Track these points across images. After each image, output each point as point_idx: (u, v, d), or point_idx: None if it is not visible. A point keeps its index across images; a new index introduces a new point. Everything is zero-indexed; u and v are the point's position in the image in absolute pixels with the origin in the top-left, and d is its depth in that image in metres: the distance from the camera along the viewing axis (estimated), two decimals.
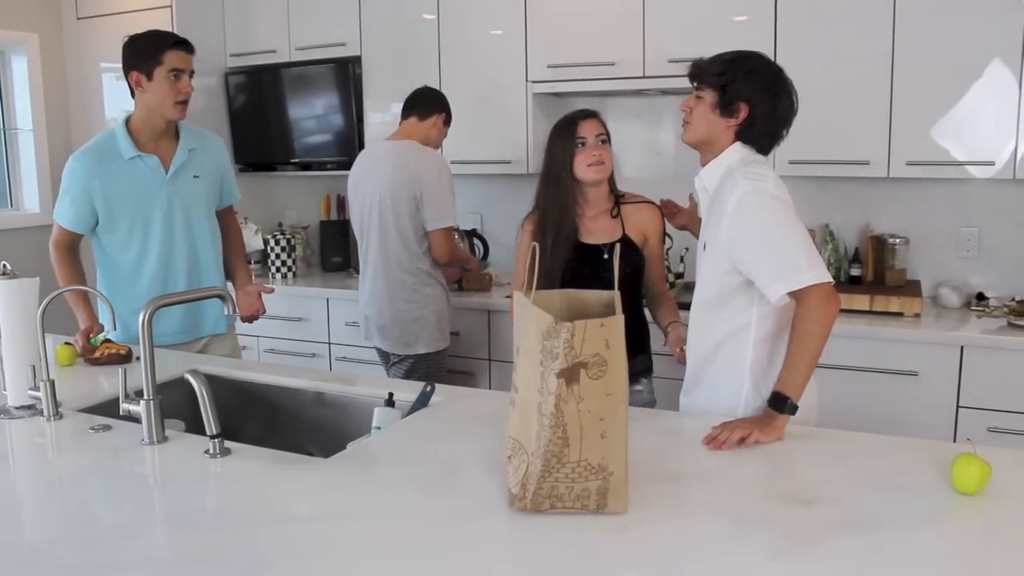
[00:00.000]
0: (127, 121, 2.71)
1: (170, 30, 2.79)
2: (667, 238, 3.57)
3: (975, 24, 2.96)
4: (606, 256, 2.55)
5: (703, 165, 2.10)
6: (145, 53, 2.64)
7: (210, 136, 2.92)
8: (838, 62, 3.11)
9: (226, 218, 2.99)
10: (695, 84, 2.06)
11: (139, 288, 2.72)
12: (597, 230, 2.58)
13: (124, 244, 2.71)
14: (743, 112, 2.00)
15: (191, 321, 2.83)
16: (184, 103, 2.68)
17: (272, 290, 3.03)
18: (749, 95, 1.98)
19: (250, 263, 2.99)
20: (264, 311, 2.98)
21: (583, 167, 2.50)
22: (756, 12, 3.26)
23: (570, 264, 2.52)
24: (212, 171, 2.85)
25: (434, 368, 3.27)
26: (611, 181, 2.61)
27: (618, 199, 2.63)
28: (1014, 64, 2.93)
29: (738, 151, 2.03)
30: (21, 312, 2.04)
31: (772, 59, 2.06)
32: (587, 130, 2.51)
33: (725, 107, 2.00)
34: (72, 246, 2.77)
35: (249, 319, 2.96)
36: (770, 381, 1.96)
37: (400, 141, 3.23)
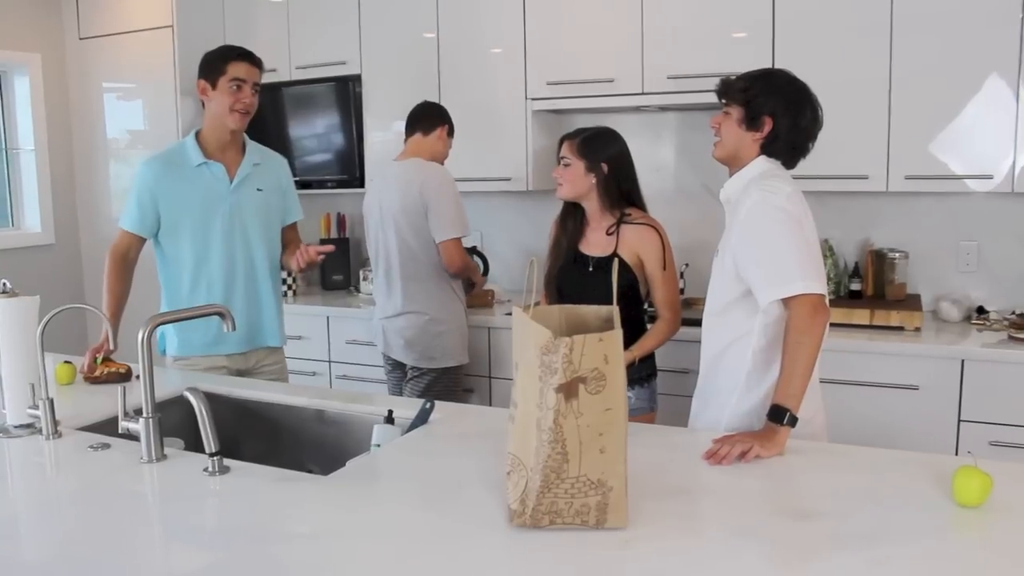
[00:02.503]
0: (197, 133, 2.79)
1: (237, 45, 2.86)
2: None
3: (972, 39, 2.97)
4: (591, 268, 2.67)
5: (730, 178, 2.16)
6: (213, 64, 2.75)
7: (275, 155, 2.98)
8: (836, 77, 3.11)
9: (288, 234, 3.00)
10: (722, 101, 2.14)
11: (199, 294, 2.75)
12: (593, 242, 2.71)
13: (186, 250, 2.75)
14: (767, 126, 2.06)
15: (247, 333, 2.82)
16: (242, 113, 2.74)
17: (332, 248, 2.93)
18: (772, 109, 2.05)
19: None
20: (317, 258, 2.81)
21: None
22: (755, 28, 3.27)
23: (563, 268, 2.73)
24: (275, 187, 2.91)
25: (453, 383, 3.31)
26: (609, 201, 2.68)
27: (621, 218, 2.67)
28: (1011, 78, 2.94)
29: (761, 164, 2.09)
30: (21, 330, 2.04)
31: (796, 76, 2.12)
32: (561, 151, 2.72)
33: (750, 122, 2.07)
34: (128, 254, 2.78)
35: (305, 268, 2.85)
36: (764, 386, 2.01)
37: (407, 161, 3.28)
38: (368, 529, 1.52)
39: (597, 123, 3.73)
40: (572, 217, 2.75)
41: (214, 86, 2.73)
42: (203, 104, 2.80)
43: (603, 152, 2.67)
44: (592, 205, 2.70)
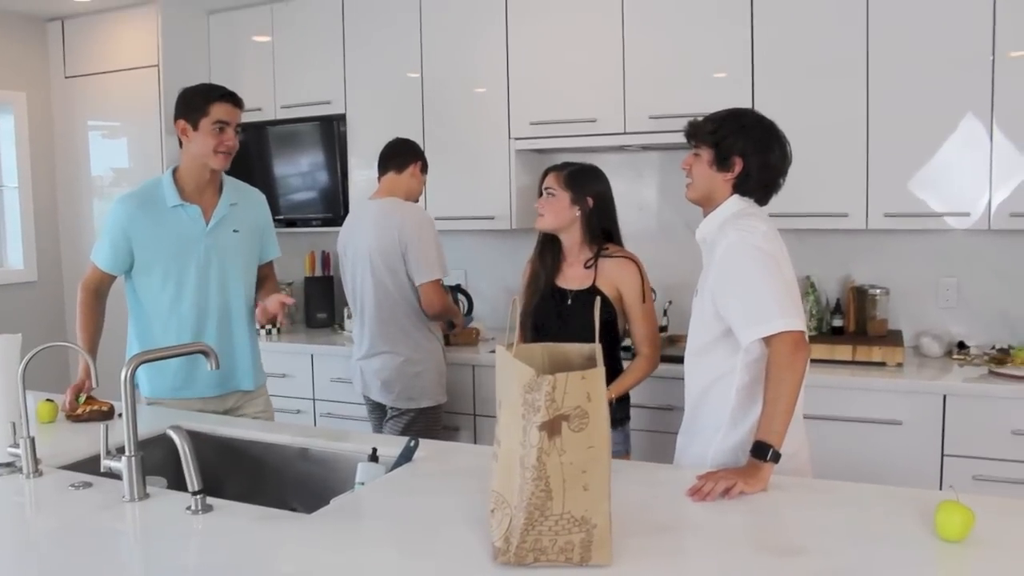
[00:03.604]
0: (174, 171, 2.74)
1: (220, 84, 2.80)
2: (652, 292, 3.60)
3: (947, 80, 3.03)
4: (569, 302, 2.66)
5: (705, 218, 2.18)
6: (194, 104, 2.68)
7: (253, 192, 2.92)
8: (815, 117, 3.17)
9: (264, 271, 2.94)
10: (692, 143, 2.16)
11: (169, 336, 2.70)
12: (571, 276, 2.71)
13: (158, 291, 2.71)
14: (738, 166, 2.09)
15: (219, 376, 2.76)
16: (226, 155, 2.69)
17: (291, 301, 2.79)
18: (742, 149, 2.08)
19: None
20: (283, 313, 2.73)
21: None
22: (734, 69, 3.33)
23: (540, 303, 2.70)
24: (252, 227, 2.84)
25: (432, 423, 3.27)
26: (589, 233, 2.68)
27: (599, 251, 2.67)
28: (985, 118, 2.99)
29: (735, 204, 2.11)
30: (2, 368, 2.03)
31: (763, 115, 2.15)
32: (545, 183, 2.71)
33: (721, 162, 2.10)
34: (100, 289, 2.75)
35: (267, 323, 2.84)
36: (748, 422, 2.02)
37: (383, 200, 3.26)
38: (352, 568, 1.51)
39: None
40: (550, 252, 2.74)
41: (196, 127, 2.65)
42: (180, 143, 2.72)
43: (589, 186, 2.68)
44: (572, 239, 2.70)
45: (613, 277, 2.66)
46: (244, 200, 2.85)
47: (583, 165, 2.76)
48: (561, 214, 2.66)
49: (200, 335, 2.71)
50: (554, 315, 2.68)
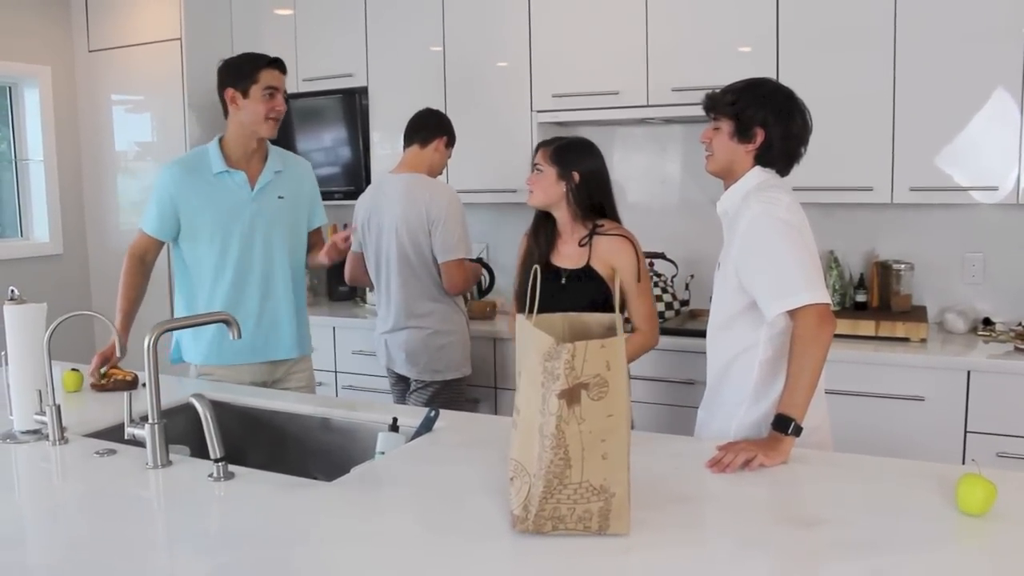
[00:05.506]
0: (220, 139, 2.79)
1: (265, 53, 2.86)
2: (674, 265, 3.60)
3: (976, 53, 2.98)
4: (563, 281, 2.60)
5: (726, 190, 2.16)
6: (242, 72, 2.73)
7: (298, 160, 2.99)
8: (841, 90, 3.13)
9: (313, 238, 3.01)
10: (711, 115, 2.13)
11: (214, 302, 2.75)
12: (565, 255, 2.64)
13: (203, 256, 2.75)
14: (759, 136, 2.06)
15: (262, 342, 2.82)
16: (276, 120, 2.76)
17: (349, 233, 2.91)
18: (763, 119, 2.06)
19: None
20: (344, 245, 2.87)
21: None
22: (758, 41, 3.28)
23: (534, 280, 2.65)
24: (298, 194, 2.90)
25: (456, 394, 3.29)
26: (580, 211, 2.60)
27: (594, 229, 2.62)
28: (1015, 91, 2.94)
29: (757, 175, 2.09)
30: (29, 337, 2.05)
31: (781, 83, 2.12)
32: (536, 158, 2.66)
33: (742, 134, 2.07)
34: (145, 256, 2.79)
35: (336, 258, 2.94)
36: (771, 396, 2.01)
37: (408, 175, 3.25)
38: (372, 535, 1.52)
39: (602, 136, 3.74)
40: (544, 229, 2.68)
41: (245, 94, 2.71)
42: (225, 112, 2.77)
43: (576, 161, 2.60)
44: (563, 215, 2.62)
45: (608, 256, 2.59)
46: (290, 168, 2.90)
47: (572, 140, 2.69)
48: (549, 190, 2.60)
49: (241, 301, 2.75)
50: (547, 294, 2.57)
